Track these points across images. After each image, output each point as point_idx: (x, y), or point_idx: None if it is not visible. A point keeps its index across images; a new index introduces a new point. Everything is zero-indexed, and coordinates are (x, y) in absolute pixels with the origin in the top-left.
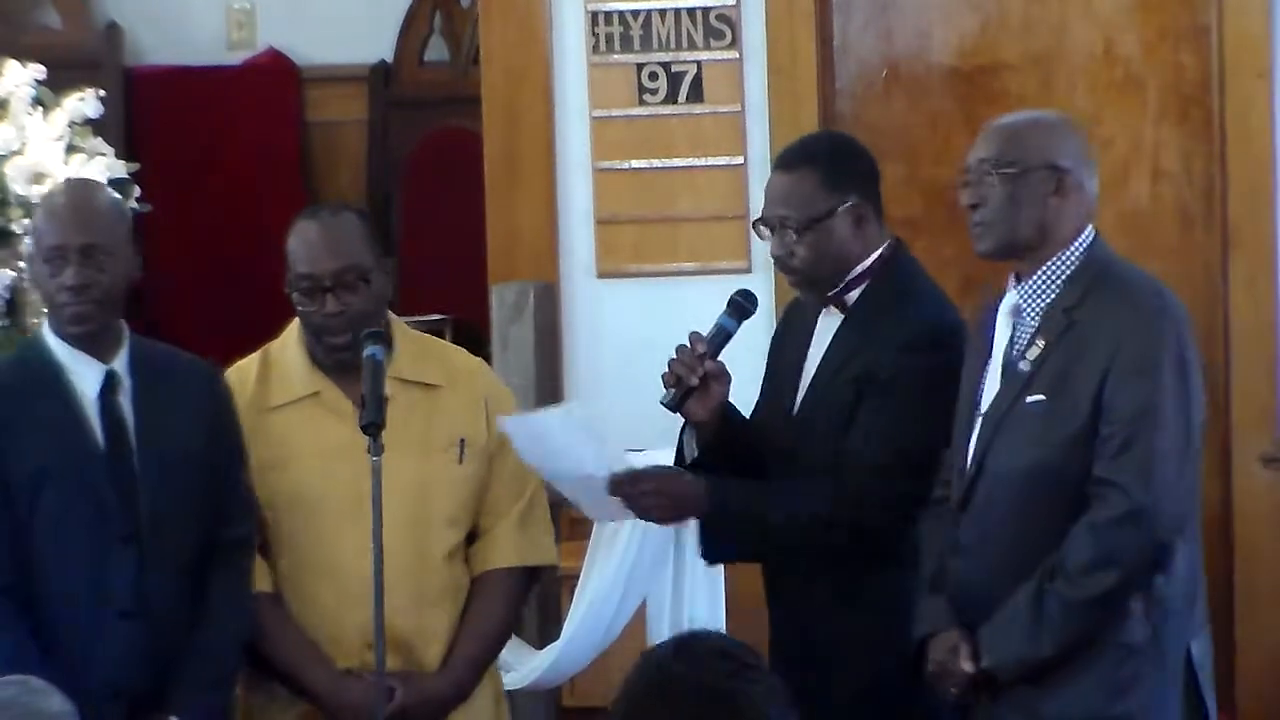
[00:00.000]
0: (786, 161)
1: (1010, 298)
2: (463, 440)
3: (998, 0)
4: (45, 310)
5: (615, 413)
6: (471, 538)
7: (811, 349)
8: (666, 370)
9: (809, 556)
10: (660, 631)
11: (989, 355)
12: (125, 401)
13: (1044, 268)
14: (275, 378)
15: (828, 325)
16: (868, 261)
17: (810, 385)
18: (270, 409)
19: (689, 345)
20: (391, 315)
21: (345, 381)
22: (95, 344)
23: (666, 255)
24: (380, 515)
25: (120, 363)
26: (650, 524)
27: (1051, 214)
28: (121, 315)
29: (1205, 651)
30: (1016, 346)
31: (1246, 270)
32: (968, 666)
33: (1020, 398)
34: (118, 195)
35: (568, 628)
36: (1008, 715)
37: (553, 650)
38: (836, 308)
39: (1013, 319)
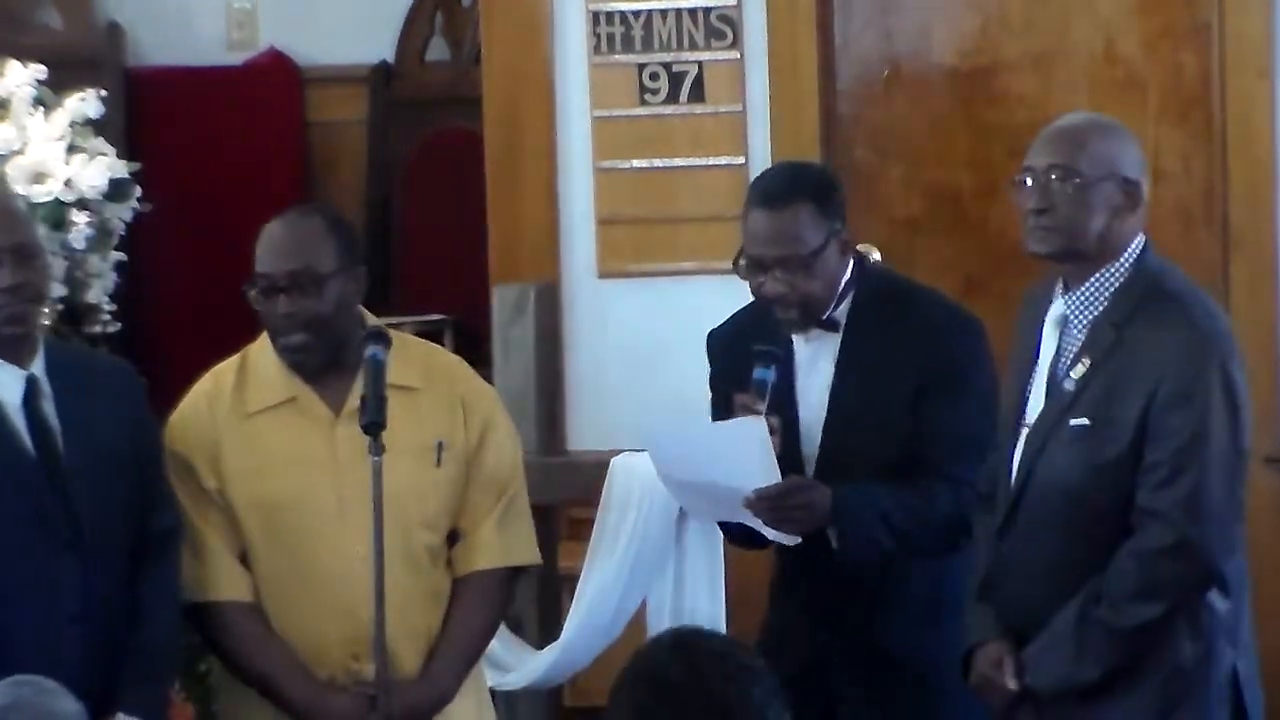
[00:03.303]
0: (774, 199)
1: (1058, 307)
2: (440, 443)
3: (998, 0)
4: None
5: (616, 413)
6: (453, 540)
7: (802, 376)
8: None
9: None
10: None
11: (1034, 365)
12: (48, 406)
13: (1094, 278)
14: (252, 382)
15: (817, 350)
16: (847, 277)
17: (835, 407)
18: (248, 414)
19: (747, 408)
20: (370, 318)
21: (322, 386)
22: (16, 349)
23: (667, 255)
24: (381, 517)
25: (38, 367)
26: (651, 523)
27: (1116, 227)
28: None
29: (1251, 669)
30: (1062, 361)
31: (1247, 270)
32: (1012, 684)
33: (1064, 419)
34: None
35: (568, 628)
36: None
37: (553, 650)
38: (824, 329)
39: (1059, 330)
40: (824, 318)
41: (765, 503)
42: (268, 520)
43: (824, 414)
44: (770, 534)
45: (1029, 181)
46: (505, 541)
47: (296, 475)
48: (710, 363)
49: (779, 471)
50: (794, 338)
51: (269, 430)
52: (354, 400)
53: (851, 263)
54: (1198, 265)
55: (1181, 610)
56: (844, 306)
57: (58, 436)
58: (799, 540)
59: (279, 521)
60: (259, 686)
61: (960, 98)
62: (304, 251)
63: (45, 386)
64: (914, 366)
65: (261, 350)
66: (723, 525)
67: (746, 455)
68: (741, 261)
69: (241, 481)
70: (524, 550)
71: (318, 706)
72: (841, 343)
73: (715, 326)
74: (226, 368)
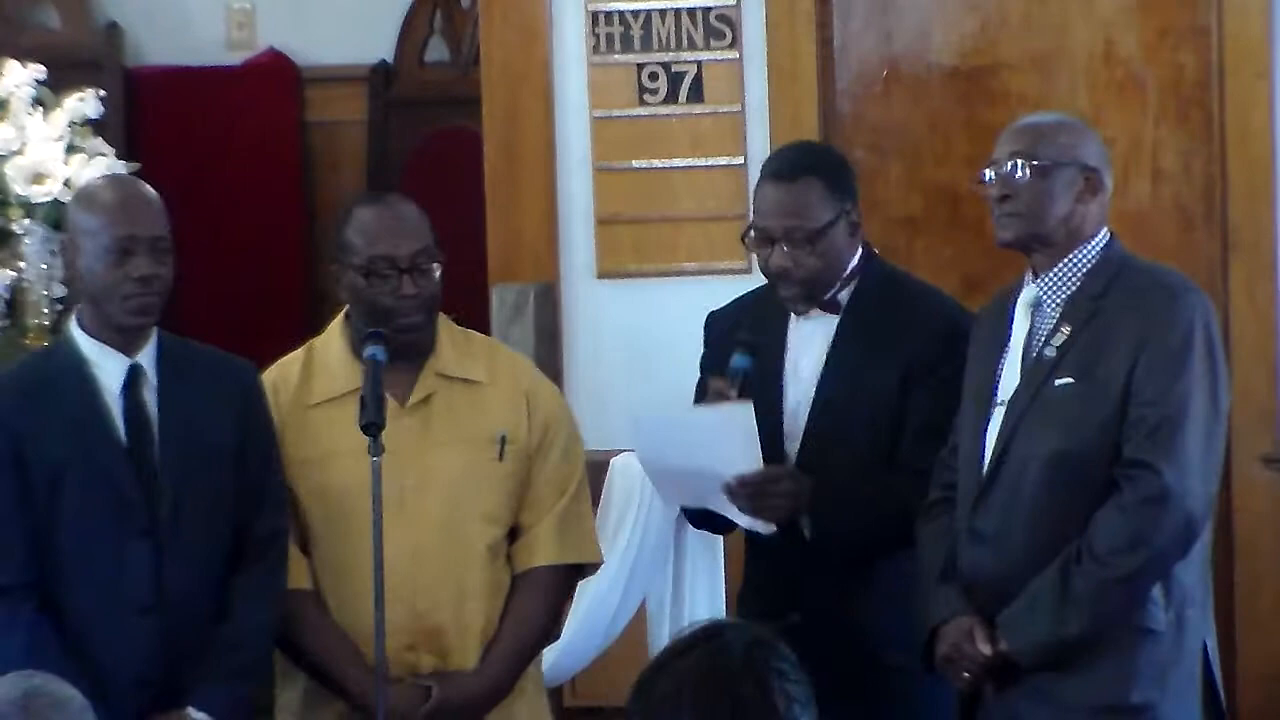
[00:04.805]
0: (785, 172)
1: (1030, 291)
2: (503, 437)
3: (998, 0)
4: (60, 305)
5: (615, 413)
6: (514, 535)
7: (794, 355)
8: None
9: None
10: (660, 632)
11: (1004, 348)
12: (150, 396)
13: (1065, 261)
14: (318, 373)
15: (814, 329)
16: (854, 262)
17: (824, 388)
18: (312, 405)
19: (720, 394)
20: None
21: (389, 376)
22: (130, 339)
23: (666, 255)
24: (380, 516)
25: (146, 357)
26: (651, 523)
27: (1079, 212)
28: None
29: (1215, 647)
30: (1038, 336)
31: (1246, 270)
32: (985, 649)
33: (1046, 382)
34: None
35: (568, 627)
36: (1024, 702)
37: (553, 650)
38: (824, 310)
39: (1032, 311)
40: (826, 298)
41: (747, 489)
42: (329, 509)
43: (812, 394)
44: (744, 521)
45: (993, 175)
46: (565, 539)
47: (359, 465)
48: (704, 343)
49: (762, 459)
50: (790, 318)
51: (333, 420)
52: (420, 391)
53: (860, 248)
54: (1197, 265)
55: (1161, 572)
56: (847, 291)
57: (154, 426)
58: (774, 529)
59: (340, 510)
60: (316, 674)
61: (959, 98)
62: (421, 230)
63: (151, 377)
64: (904, 356)
65: (327, 341)
66: (685, 509)
67: (731, 441)
68: (750, 234)
69: (304, 470)
70: (584, 548)
71: (374, 696)
72: (838, 326)
73: (717, 308)
74: (292, 359)
